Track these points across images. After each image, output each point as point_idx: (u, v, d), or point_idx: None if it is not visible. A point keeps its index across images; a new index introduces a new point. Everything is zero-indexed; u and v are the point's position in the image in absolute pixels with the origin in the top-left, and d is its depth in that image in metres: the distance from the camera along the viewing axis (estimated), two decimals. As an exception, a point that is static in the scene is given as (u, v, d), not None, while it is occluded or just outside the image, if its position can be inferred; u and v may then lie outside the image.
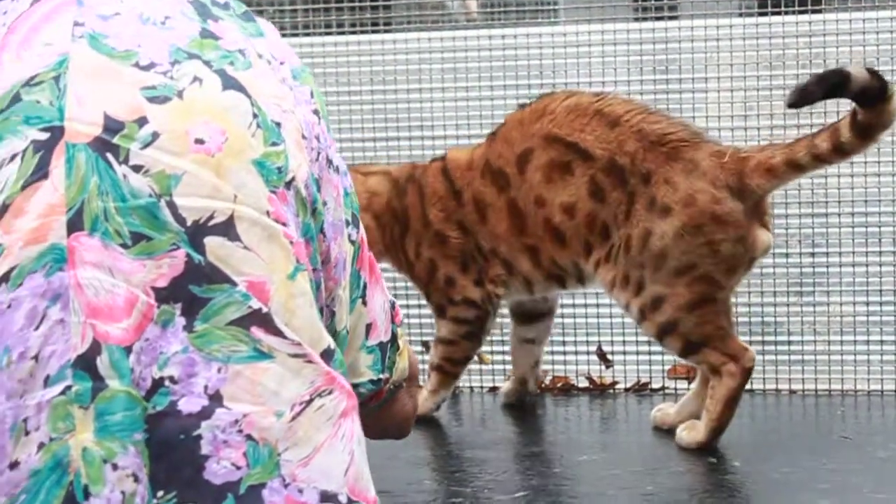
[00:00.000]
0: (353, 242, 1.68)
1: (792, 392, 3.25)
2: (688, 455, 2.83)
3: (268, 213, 1.42)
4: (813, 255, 3.28)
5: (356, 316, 1.74)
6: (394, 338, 1.84)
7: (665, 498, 2.58)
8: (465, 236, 3.05)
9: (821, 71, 3.14)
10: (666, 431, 3.05)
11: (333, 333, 1.59)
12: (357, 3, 3.64)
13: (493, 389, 3.46)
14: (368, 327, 1.78)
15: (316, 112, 1.56)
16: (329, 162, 1.56)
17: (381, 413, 1.89)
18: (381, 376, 1.79)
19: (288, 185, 1.45)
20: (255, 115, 1.43)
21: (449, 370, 3.15)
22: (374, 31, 3.70)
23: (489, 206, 3.01)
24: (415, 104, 3.58)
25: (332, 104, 3.57)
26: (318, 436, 1.44)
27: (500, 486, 2.69)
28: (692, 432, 2.85)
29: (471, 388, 3.48)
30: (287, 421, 1.41)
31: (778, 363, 3.32)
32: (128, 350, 1.37)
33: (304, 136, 1.50)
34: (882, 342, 3.28)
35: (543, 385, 3.44)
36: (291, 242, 1.43)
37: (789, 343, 3.35)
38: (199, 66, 1.44)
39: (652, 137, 2.82)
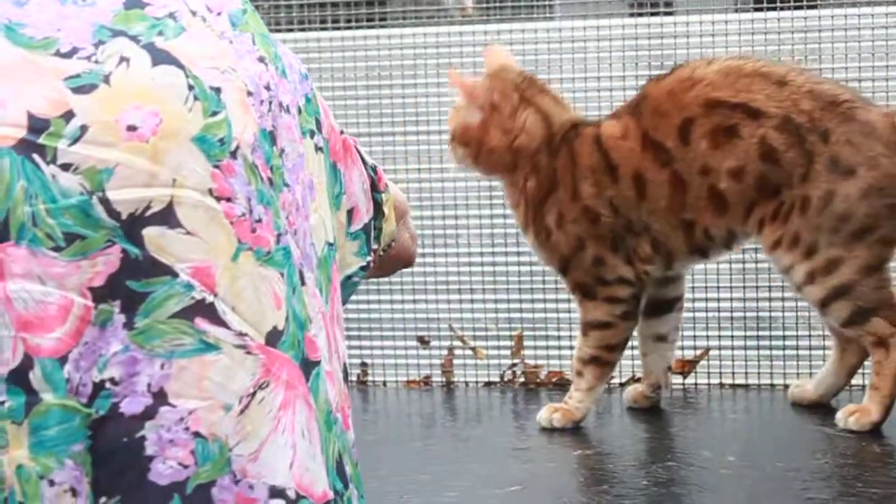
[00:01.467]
0: (320, 149, 1.64)
1: (787, 387, 3.25)
2: (682, 449, 2.83)
3: (210, 190, 1.37)
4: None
5: (341, 210, 1.72)
6: (378, 208, 1.82)
7: (659, 491, 2.58)
8: (617, 215, 2.89)
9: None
10: (662, 426, 3.05)
11: (319, 262, 1.57)
12: (353, -1, 3.64)
13: (489, 384, 3.46)
14: (350, 213, 1.76)
15: (261, 59, 1.50)
16: (281, 105, 1.52)
17: (381, 262, 1.86)
18: (369, 259, 1.77)
19: (233, 154, 1.40)
20: (190, 87, 1.37)
21: (606, 359, 2.97)
22: (369, 27, 3.70)
23: (649, 181, 2.88)
24: (410, 99, 3.58)
25: (328, 99, 3.54)
26: (262, 430, 1.41)
27: (494, 480, 2.69)
28: (862, 416, 2.82)
29: (465, 382, 3.49)
30: (236, 414, 1.38)
31: (773, 358, 3.33)
32: (63, 360, 1.32)
33: (249, 93, 1.45)
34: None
35: (538, 380, 3.44)
36: (232, 222, 1.39)
37: (784, 338, 3.35)
38: (125, 44, 1.38)
39: (825, 97, 2.79)
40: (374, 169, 1.81)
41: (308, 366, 1.54)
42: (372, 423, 3.25)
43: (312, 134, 1.63)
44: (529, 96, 2.95)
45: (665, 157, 2.85)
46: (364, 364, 3.56)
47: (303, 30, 3.72)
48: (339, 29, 3.67)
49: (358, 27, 3.68)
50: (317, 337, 1.55)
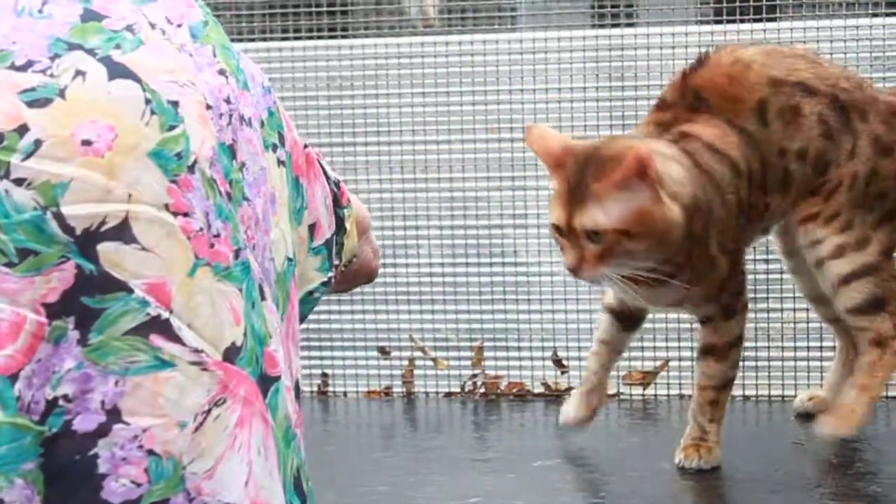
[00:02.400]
0: (282, 162, 1.63)
1: (746, 398, 3.26)
2: (642, 461, 2.83)
3: (167, 206, 1.36)
4: (767, 261, 3.29)
5: (303, 225, 1.71)
6: (340, 224, 1.81)
7: (619, 502, 2.58)
8: (747, 216, 2.67)
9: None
10: (621, 437, 3.06)
11: (277, 277, 1.56)
12: (314, 9, 3.63)
13: (449, 395, 3.45)
14: (312, 228, 1.75)
15: (222, 72, 1.48)
16: (242, 119, 1.50)
17: (343, 277, 1.85)
18: (330, 275, 1.76)
19: (191, 169, 1.38)
20: (147, 101, 1.36)
21: (736, 375, 2.77)
22: (331, 37, 3.69)
23: (753, 171, 2.68)
24: (371, 110, 3.57)
25: (289, 110, 3.54)
26: (218, 447, 1.39)
27: (452, 491, 2.68)
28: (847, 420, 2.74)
29: (426, 393, 3.48)
30: (191, 432, 1.37)
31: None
32: (13, 378, 1.30)
33: (208, 107, 1.44)
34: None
35: (498, 391, 3.44)
36: (189, 237, 1.38)
37: (743, 349, 3.36)
38: (81, 58, 1.36)
39: (853, 78, 2.77)
40: (338, 184, 1.81)
41: (266, 381, 1.53)
42: (332, 434, 3.24)
43: (275, 147, 1.62)
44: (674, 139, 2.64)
45: (752, 142, 2.67)
46: (324, 374, 3.55)
47: (264, 39, 3.71)
48: (300, 39, 3.66)
49: (320, 37, 3.67)
50: (276, 352, 1.55)
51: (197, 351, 1.37)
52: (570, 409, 2.84)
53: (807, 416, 2.96)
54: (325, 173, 1.78)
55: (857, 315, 2.71)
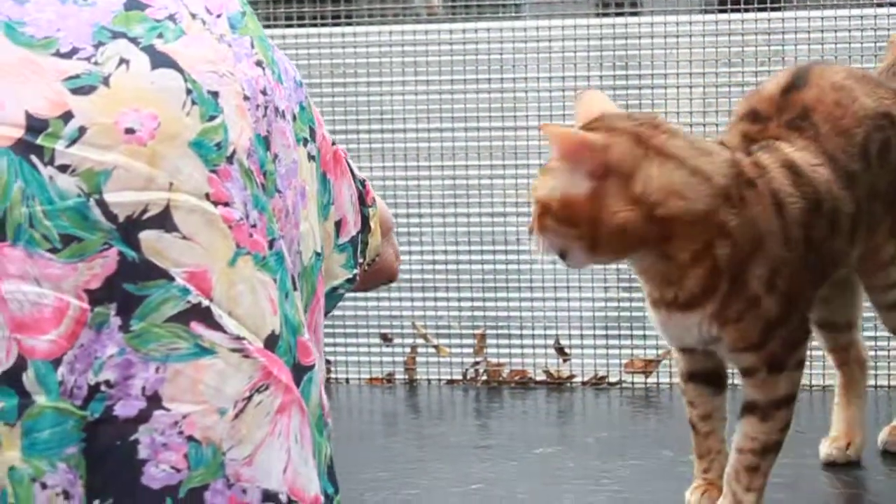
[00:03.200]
0: (312, 157, 1.64)
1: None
2: (644, 448, 2.84)
3: (207, 195, 1.37)
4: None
5: (329, 221, 1.71)
6: (365, 222, 1.81)
7: (619, 490, 2.59)
8: (820, 259, 2.32)
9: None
10: (623, 424, 3.07)
11: (304, 270, 1.57)
12: (319, -4, 3.64)
13: (451, 382, 3.46)
14: (338, 225, 1.76)
15: (259, 63, 1.50)
16: (276, 111, 1.51)
17: (365, 276, 1.86)
18: (355, 272, 1.76)
19: (230, 159, 1.40)
20: (188, 91, 1.38)
21: (783, 440, 2.33)
22: (335, 24, 3.69)
23: (841, 214, 2.33)
24: (375, 97, 3.58)
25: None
26: (258, 433, 1.41)
27: (455, 478, 2.69)
28: None
29: (428, 380, 3.49)
30: (231, 419, 1.38)
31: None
32: (56, 362, 1.32)
33: (246, 98, 1.45)
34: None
35: (501, 378, 3.45)
36: (231, 226, 1.39)
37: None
38: (125, 46, 1.37)
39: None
40: (363, 183, 1.82)
41: (300, 370, 1.54)
42: (334, 421, 3.20)
43: (306, 142, 1.63)
44: (658, 145, 2.16)
45: (850, 183, 2.33)
46: (327, 361, 3.55)
47: (268, 27, 3.71)
48: (304, 26, 3.66)
49: (324, 24, 3.67)
50: (309, 341, 1.56)
51: (238, 338, 1.38)
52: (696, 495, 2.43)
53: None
54: (352, 172, 1.79)
55: None
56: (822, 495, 2.55)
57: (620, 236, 2.14)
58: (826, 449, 2.69)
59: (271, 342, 1.44)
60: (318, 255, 1.63)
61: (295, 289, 1.52)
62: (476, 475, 2.71)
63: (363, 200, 1.81)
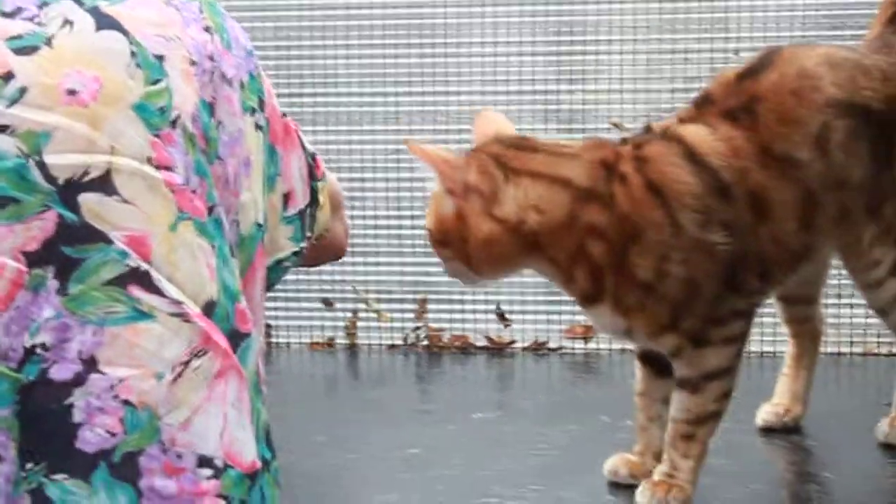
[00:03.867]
0: (260, 127, 1.63)
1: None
2: (582, 413, 2.85)
3: (149, 159, 1.36)
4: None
5: (275, 193, 1.71)
6: (314, 196, 1.81)
7: (556, 454, 2.60)
8: (733, 241, 2.29)
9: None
10: (562, 389, 3.08)
11: (241, 240, 1.56)
12: (263, -42, 3.61)
13: (392, 347, 3.46)
14: (286, 197, 1.75)
15: (207, 29, 1.49)
16: (223, 77, 1.51)
17: (313, 251, 1.86)
18: (302, 245, 1.76)
19: (173, 124, 1.39)
20: (133, 54, 1.36)
21: (723, 409, 2.37)
22: (279, -13, 3.67)
23: (775, 202, 2.33)
24: (318, 61, 3.55)
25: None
26: (195, 398, 1.40)
27: (394, 443, 2.69)
28: None
29: (369, 345, 3.49)
30: (168, 383, 1.37)
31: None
32: None
33: (192, 62, 1.44)
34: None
35: (441, 344, 3.45)
36: (173, 191, 1.38)
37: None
38: (69, 7, 1.36)
39: (893, 76, 2.49)
40: (314, 157, 1.80)
41: (237, 337, 1.53)
42: (274, 385, 3.20)
43: (253, 111, 1.62)
44: (519, 166, 2.26)
45: (797, 173, 2.35)
46: (268, 326, 3.55)
47: (212, -12, 3.68)
48: (248, -12, 3.63)
49: (267, -13, 3.65)
50: (247, 309, 1.55)
51: (177, 302, 1.37)
52: (618, 463, 2.46)
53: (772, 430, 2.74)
54: (303, 144, 1.78)
55: None
56: (759, 460, 2.56)
57: (490, 252, 2.24)
58: (763, 414, 2.72)
59: (209, 308, 1.43)
60: (259, 226, 1.63)
61: (233, 255, 1.52)
62: (415, 440, 2.71)
63: (313, 174, 1.80)
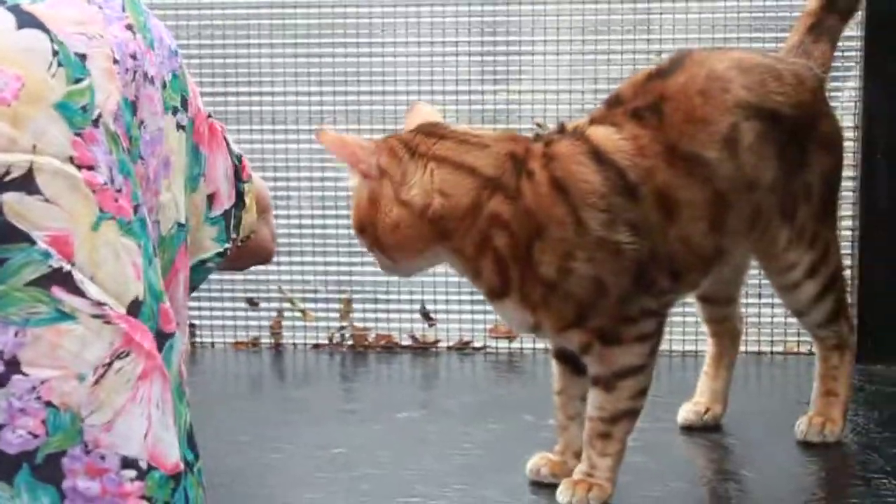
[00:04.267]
0: (182, 127, 1.63)
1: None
2: (506, 412, 2.87)
3: (71, 158, 1.36)
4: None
5: (199, 193, 1.70)
6: (240, 197, 1.81)
7: (479, 453, 2.62)
8: (640, 240, 2.29)
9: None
10: (487, 388, 3.10)
11: (162, 240, 1.56)
12: (186, -44, 3.59)
13: (317, 347, 3.46)
14: (210, 198, 1.75)
15: (129, 27, 1.49)
16: (146, 76, 1.51)
17: (239, 253, 1.85)
18: (227, 246, 1.76)
19: (95, 122, 1.39)
20: (55, 53, 1.36)
21: (639, 408, 2.37)
22: (203, -15, 3.65)
23: (682, 203, 2.34)
24: (242, 60, 3.55)
25: (160, 57, 3.51)
26: (118, 399, 1.40)
27: (318, 442, 2.70)
28: (833, 425, 2.64)
29: (294, 344, 3.49)
30: (90, 384, 1.37)
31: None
32: None
33: (115, 61, 1.44)
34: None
35: (366, 343, 3.45)
36: (94, 190, 1.38)
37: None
38: None
39: (806, 80, 2.53)
40: (240, 158, 1.80)
41: (162, 337, 1.53)
42: (198, 385, 3.20)
43: (175, 111, 1.62)
44: (426, 150, 2.27)
45: (705, 173, 2.36)
46: (192, 325, 3.54)
47: (135, -14, 3.66)
48: (171, -14, 3.62)
49: (192, -15, 3.63)
50: (171, 309, 1.55)
51: (99, 304, 1.37)
52: (540, 462, 2.47)
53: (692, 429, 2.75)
54: (229, 146, 1.78)
55: (826, 326, 2.64)
56: (679, 458, 2.59)
57: (399, 237, 2.25)
58: (684, 413, 2.74)
59: (135, 308, 1.43)
60: (180, 226, 1.62)
61: (156, 255, 1.52)
62: (339, 439, 2.72)
63: (239, 175, 1.80)
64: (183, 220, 1.63)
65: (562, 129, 2.38)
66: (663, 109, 2.36)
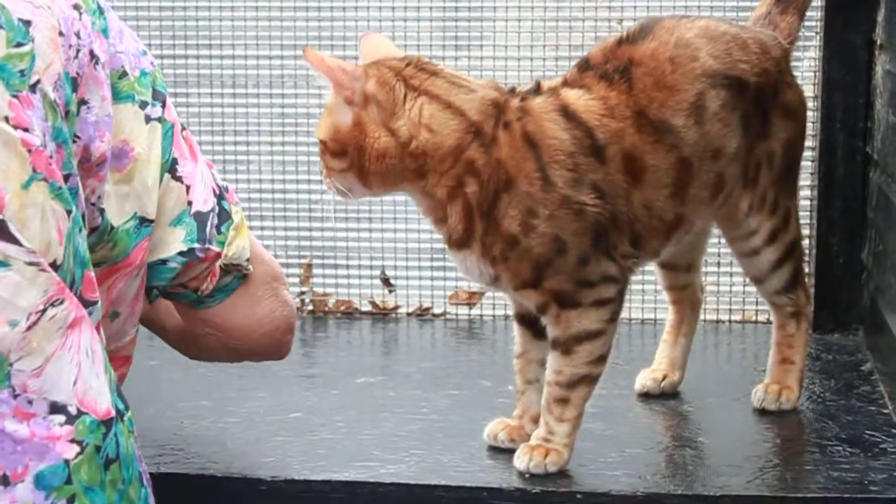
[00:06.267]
0: (159, 120, 1.63)
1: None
2: (465, 379, 2.87)
3: (7, 118, 1.37)
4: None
5: (162, 191, 1.71)
6: (224, 211, 1.81)
7: (436, 418, 2.62)
8: (603, 203, 2.30)
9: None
10: (446, 355, 3.10)
11: (108, 229, 1.56)
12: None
13: (276, 312, 3.45)
14: (184, 200, 1.75)
15: (76, 7, 1.51)
16: (92, 56, 1.51)
17: (223, 315, 1.85)
18: (195, 245, 1.75)
19: (33, 88, 1.41)
20: None
21: (596, 374, 2.36)
22: (164, -53, 3.62)
23: (648, 167, 2.34)
24: (203, 22, 3.52)
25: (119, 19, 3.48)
26: (49, 346, 1.42)
27: (275, 407, 2.70)
28: (790, 393, 2.65)
29: (253, 310, 3.47)
30: (22, 330, 1.39)
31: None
32: None
33: (61, 33, 1.45)
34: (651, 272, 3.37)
35: (326, 308, 3.45)
36: (30, 150, 1.39)
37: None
38: None
39: (770, 49, 2.53)
40: (226, 188, 1.82)
41: (84, 304, 1.53)
42: (156, 349, 3.20)
43: (144, 105, 1.62)
44: (418, 84, 2.26)
45: (672, 140, 2.36)
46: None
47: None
48: (132, -52, 3.59)
49: (152, -53, 3.60)
50: (94, 279, 1.55)
51: (33, 252, 1.38)
52: (497, 427, 2.47)
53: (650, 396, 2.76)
54: (213, 176, 1.80)
55: (783, 294, 2.64)
56: (636, 425, 2.60)
57: (382, 165, 2.23)
58: (641, 380, 2.75)
59: (53, 269, 1.44)
60: (143, 221, 1.63)
61: (84, 227, 1.52)
62: (297, 404, 2.72)
63: (223, 196, 1.82)
64: (149, 217, 1.63)
65: (538, 88, 2.38)
66: (633, 73, 2.37)
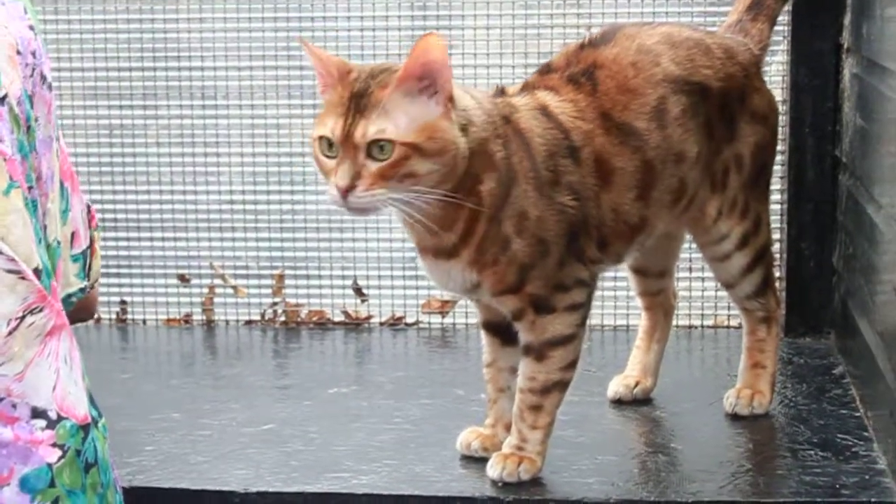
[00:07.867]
0: (58, 156, 1.66)
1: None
2: (437, 388, 2.88)
3: None
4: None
5: (67, 226, 1.73)
6: (91, 242, 1.84)
7: (409, 428, 2.62)
8: (579, 205, 2.29)
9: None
10: (419, 364, 3.11)
11: (46, 246, 1.58)
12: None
13: (249, 323, 3.45)
14: (73, 236, 1.78)
15: (31, 28, 1.54)
16: (43, 78, 1.54)
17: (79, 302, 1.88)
18: (85, 283, 1.79)
19: (1, 101, 1.42)
20: None
21: (569, 379, 2.35)
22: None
23: (616, 170, 2.35)
24: (172, 34, 3.51)
25: (88, 33, 3.50)
26: (28, 352, 1.44)
27: (248, 418, 2.70)
28: (762, 398, 2.65)
29: (226, 321, 3.48)
30: (3, 336, 1.41)
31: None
32: None
33: (18, 52, 1.48)
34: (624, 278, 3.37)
35: (299, 319, 3.45)
36: (5, 159, 1.41)
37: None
38: None
39: (737, 55, 2.55)
40: (89, 207, 1.84)
41: None
42: (129, 361, 3.22)
43: (57, 139, 1.64)
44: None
45: (636, 142, 2.37)
46: (123, 302, 3.52)
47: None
48: (100, -41, 3.58)
49: (120, -42, 3.60)
50: (57, 288, 1.57)
51: (13, 260, 1.40)
52: (470, 436, 2.46)
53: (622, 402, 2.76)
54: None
55: (754, 298, 2.64)
56: (609, 432, 2.60)
57: (462, 164, 2.16)
58: (614, 387, 2.76)
59: (37, 275, 1.46)
60: (59, 243, 1.65)
61: (42, 241, 1.54)
62: (270, 415, 2.71)
63: (88, 223, 1.84)
64: (60, 239, 1.66)
65: (502, 92, 2.36)
66: (597, 76, 2.38)
